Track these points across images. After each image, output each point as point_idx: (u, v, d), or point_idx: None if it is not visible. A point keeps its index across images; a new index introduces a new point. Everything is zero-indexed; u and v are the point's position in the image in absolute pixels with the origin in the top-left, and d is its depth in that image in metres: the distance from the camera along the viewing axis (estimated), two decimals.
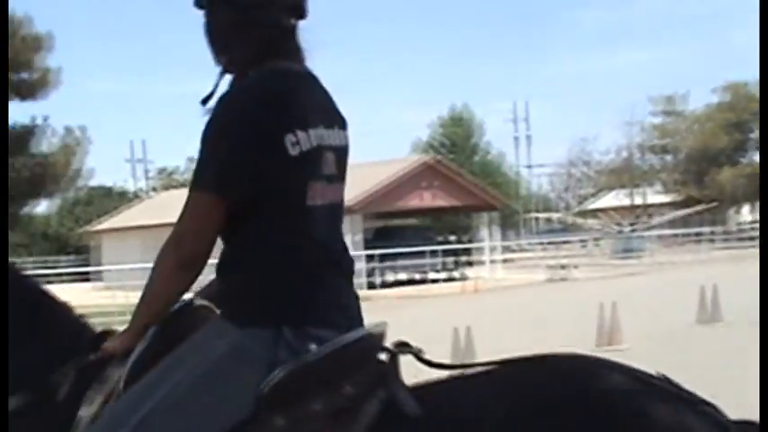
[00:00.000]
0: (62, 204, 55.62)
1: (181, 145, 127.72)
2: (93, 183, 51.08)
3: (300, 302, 1.98)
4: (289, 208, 2.03)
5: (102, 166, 61.15)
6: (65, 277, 43.30)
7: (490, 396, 1.88)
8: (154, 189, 66.71)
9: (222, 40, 2.14)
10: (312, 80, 2.15)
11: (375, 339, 2.06)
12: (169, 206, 43.07)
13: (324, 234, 2.07)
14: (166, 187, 62.72)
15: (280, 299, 1.98)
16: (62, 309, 2.45)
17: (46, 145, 19.43)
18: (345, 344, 1.97)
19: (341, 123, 2.20)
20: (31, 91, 18.92)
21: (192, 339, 2.01)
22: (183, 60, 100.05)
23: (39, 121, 18.92)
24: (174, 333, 2.06)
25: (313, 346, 1.94)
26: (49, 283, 38.54)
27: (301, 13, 2.14)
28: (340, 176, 2.17)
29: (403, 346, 2.01)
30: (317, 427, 1.88)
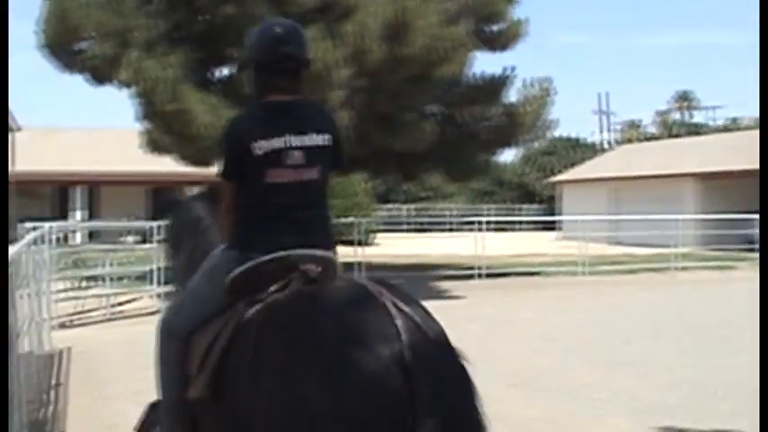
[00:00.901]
0: (527, 154, 57.71)
1: (644, 98, 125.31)
2: (557, 134, 52.19)
3: (250, 238, 3.27)
4: (253, 184, 3.27)
5: (567, 118, 61.74)
6: (527, 225, 45.21)
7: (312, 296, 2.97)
8: (617, 141, 66.27)
9: (249, 83, 3.57)
10: (294, 106, 3.35)
11: (293, 260, 3.16)
12: (630, 159, 42.43)
13: (284, 202, 3.25)
14: (629, 140, 61.88)
15: (240, 235, 3.31)
16: (207, 233, 3.91)
17: (513, 95, 20.08)
18: (265, 261, 3.18)
19: (318, 130, 3.33)
20: (500, 42, 19.67)
21: (210, 255, 3.53)
22: (657, 13, 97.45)
23: (508, 73, 19.58)
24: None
25: (250, 263, 3.19)
26: (512, 230, 40.39)
27: (297, 63, 3.40)
28: (310, 164, 3.28)
29: (304, 268, 3.14)
30: (260, 305, 3.04)
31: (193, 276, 3.51)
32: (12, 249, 5.45)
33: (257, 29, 3.47)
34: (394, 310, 2.65)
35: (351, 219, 30.75)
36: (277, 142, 3.21)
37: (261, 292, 3.09)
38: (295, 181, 3.26)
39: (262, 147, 3.20)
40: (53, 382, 8.50)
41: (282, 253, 3.18)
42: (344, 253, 22.83)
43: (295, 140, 3.25)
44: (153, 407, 3.81)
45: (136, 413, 7.01)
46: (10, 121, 6.86)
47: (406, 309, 2.69)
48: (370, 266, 20.60)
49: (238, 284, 3.20)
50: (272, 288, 3.08)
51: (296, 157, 3.24)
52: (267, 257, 3.18)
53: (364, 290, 2.78)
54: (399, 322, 2.61)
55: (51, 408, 7.41)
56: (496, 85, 19.56)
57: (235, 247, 3.31)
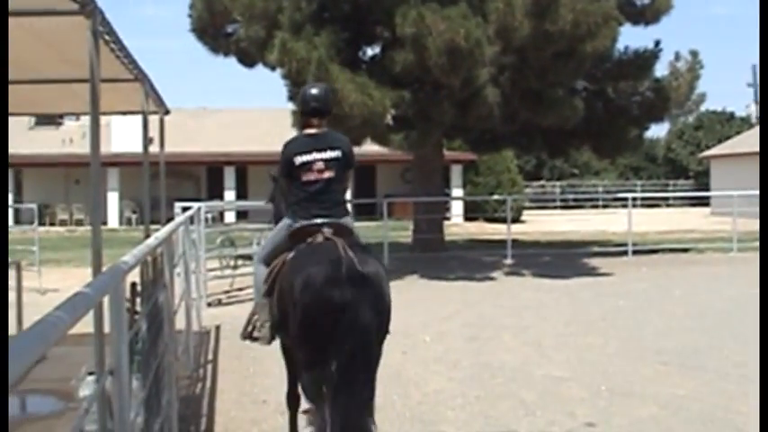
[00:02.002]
0: (677, 128, 55.65)
1: None
2: (708, 107, 50.01)
3: (297, 213, 5.09)
4: (295, 182, 5.10)
5: (719, 92, 59.01)
6: (677, 201, 43.79)
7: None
8: None
9: (297, 122, 8.39)
10: (320, 136, 5.15)
11: (318, 225, 4.97)
12: None
13: (313, 191, 5.04)
14: None
15: (291, 211, 5.16)
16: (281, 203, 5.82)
17: (662, 69, 19.46)
18: (304, 225, 5.01)
19: (332, 148, 5.12)
20: (648, 15, 19.04)
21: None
22: None
23: (656, 46, 18.95)
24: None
25: (297, 225, 5.06)
26: (662, 206, 39.16)
27: (322, 111, 5.21)
28: (328, 169, 5.06)
29: (333, 230, 4.93)
30: (302, 250, 4.85)
31: (273, 229, 5.61)
32: (166, 228, 5.70)
33: (303, 89, 5.49)
34: (342, 252, 4.61)
35: (499, 196, 30.75)
36: (308, 157, 5.13)
37: (302, 241, 4.99)
38: (318, 179, 5.12)
39: (299, 159, 5.13)
40: (205, 358, 8.82)
41: (315, 221, 5.04)
42: (494, 230, 22.98)
43: (317, 155, 5.14)
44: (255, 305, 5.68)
45: (285, 390, 7.32)
46: (157, 107, 7.16)
47: (351, 253, 4.61)
48: (519, 244, 20.49)
49: (292, 237, 5.12)
50: (308, 240, 4.97)
51: (319, 165, 5.13)
52: (305, 222, 5.08)
53: (336, 244, 4.74)
54: (343, 254, 4.60)
55: (203, 384, 7.71)
56: (645, 59, 18.98)
57: (289, 217, 5.26)
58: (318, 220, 5.01)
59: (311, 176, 5.08)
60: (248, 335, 5.67)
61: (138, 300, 4.52)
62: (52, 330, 1.69)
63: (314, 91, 5.32)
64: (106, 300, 2.88)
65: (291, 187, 5.21)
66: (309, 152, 5.10)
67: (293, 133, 18.98)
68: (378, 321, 4.64)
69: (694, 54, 19.89)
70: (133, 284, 4.41)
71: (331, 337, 4.45)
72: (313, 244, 4.90)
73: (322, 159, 5.10)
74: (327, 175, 5.10)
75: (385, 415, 6.56)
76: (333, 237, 4.85)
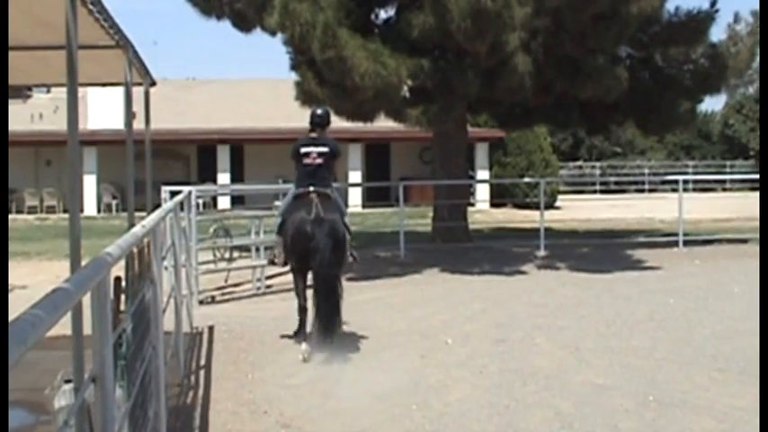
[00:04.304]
0: (736, 101, 55.35)
1: None
2: None
3: (298, 183, 9.47)
4: (299, 164, 9.50)
5: None
6: (736, 184, 43.54)
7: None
8: None
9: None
10: (317, 138, 9.61)
11: (310, 192, 9.25)
12: None
13: (310, 172, 9.37)
14: None
15: (296, 183, 9.57)
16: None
17: (720, 33, 19.37)
18: (301, 191, 9.38)
19: (324, 145, 9.51)
20: None
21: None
22: None
23: (713, 7, 18.81)
24: None
25: (298, 191, 9.47)
26: (719, 190, 38.86)
27: (321, 124, 9.73)
28: (320, 157, 9.41)
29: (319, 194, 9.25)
30: (305, 210, 9.13)
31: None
32: (153, 216, 5.67)
33: (312, 109, 10.08)
34: (314, 206, 8.99)
35: (530, 178, 30.70)
36: (306, 149, 9.42)
37: (299, 200, 9.26)
38: (312, 163, 9.34)
39: (303, 150, 9.41)
40: (197, 363, 8.85)
41: (308, 189, 9.18)
42: (525, 218, 22.86)
43: (314, 149, 9.40)
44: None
45: (288, 399, 7.32)
46: (141, 78, 7.19)
47: (320, 206, 8.98)
48: (553, 233, 20.47)
49: (295, 198, 9.35)
50: (302, 199, 9.18)
51: (314, 155, 9.37)
52: (302, 189, 9.25)
53: (312, 201, 9.05)
54: (314, 207, 8.97)
55: (195, 392, 7.74)
56: (699, 21, 18.83)
57: (295, 185, 9.52)
58: (310, 188, 9.24)
59: (308, 161, 9.44)
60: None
61: (123, 297, 4.54)
62: (31, 331, 1.70)
63: (318, 111, 9.87)
64: (86, 298, 2.89)
65: (297, 167, 9.54)
66: (309, 146, 9.54)
67: (295, 107, 18.96)
68: (332, 243, 8.93)
69: (757, 15, 19.74)
70: (117, 279, 4.42)
71: (307, 252, 8.99)
72: (302, 200, 9.23)
73: (316, 152, 9.47)
74: (318, 161, 9.45)
75: (402, 427, 6.58)
76: (314, 197, 9.10)
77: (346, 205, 10.57)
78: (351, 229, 9.75)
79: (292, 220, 9.08)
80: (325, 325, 8.85)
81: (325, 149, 9.42)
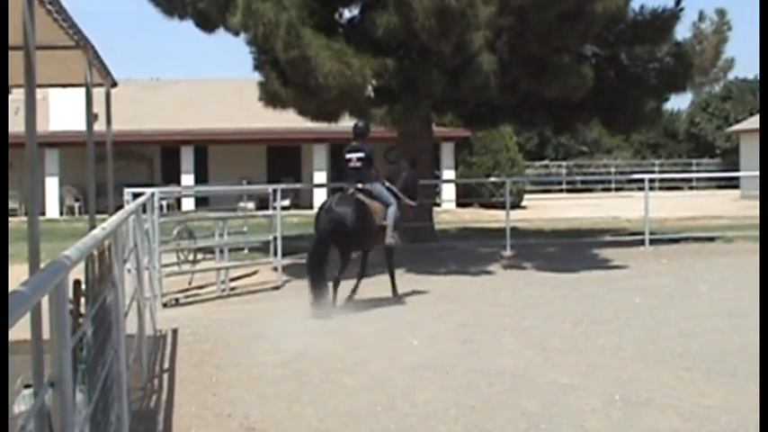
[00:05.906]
0: (701, 100, 55.85)
1: None
2: (737, 76, 50.13)
3: (347, 182, 12.56)
4: (345, 167, 12.56)
5: (750, 58, 59.34)
6: (702, 183, 44.01)
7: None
8: None
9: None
10: (358, 146, 12.43)
11: (351, 192, 12.26)
12: None
13: (352, 171, 12.38)
14: None
15: (346, 181, 12.70)
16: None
17: (681, 32, 19.46)
18: (346, 188, 12.50)
19: (360, 151, 12.35)
20: None
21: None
22: None
23: (677, 6, 18.95)
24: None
25: (348, 190, 12.43)
26: (685, 188, 39.19)
27: (360, 134, 12.62)
28: (358, 161, 12.29)
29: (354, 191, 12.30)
30: (342, 201, 12.08)
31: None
32: (114, 218, 5.65)
33: (355, 123, 13.04)
34: (335, 199, 12.16)
35: (496, 178, 30.82)
36: (348, 155, 12.39)
37: (343, 194, 12.29)
38: (355, 166, 12.30)
39: (347, 156, 12.40)
40: (160, 367, 8.80)
41: (350, 184, 12.37)
42: (491, 217, 22.98)
43: (353, 155, 12.34)
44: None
45: (253, 402, 7.30)
46: (103, 78, 7.14)
47: (337, 199, 12.04)
48: (520, 232, 20.56)
49: (345, 192, 12.34)
50: (349, 192, 12.25)
51: (354, 159, 12.32)
52: (345, 186, 12.56)
53: (346, 195, 12.18)
54: (336, 200, 12.06)
55: (158, 396, 7.68)
56: (665, 20, 18.98)
57: (345, 184, 12.65)
58: (352, 187, 12.11)
59: (351, 165, 12.23)
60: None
61: (83, 300, 4.51)
62: None
63: (359, 124, 12.80)
64: (45, 301, 2.87)
65: (345, 168, 12.41)
66: (350, 152, 12.29)
67: (259, 107, 18.90)
68: (330, 228, 11.56)
69: (721, 14, 19.93)
70: (77, 283, 4.40)
71: (324, 233, 11.68)
72: (344, 194, 12.13)
73: (355, 157, 12.19)
74: (358, 165, 12.18)
75: (367, 428, 6.59)
76: (353, 192, 12.04)
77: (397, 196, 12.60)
78: (395, 216, 12.32)
79: (319, 208, 12.18)
80: (313, 292, 11.52)
81: (361, 155, 12.22)
